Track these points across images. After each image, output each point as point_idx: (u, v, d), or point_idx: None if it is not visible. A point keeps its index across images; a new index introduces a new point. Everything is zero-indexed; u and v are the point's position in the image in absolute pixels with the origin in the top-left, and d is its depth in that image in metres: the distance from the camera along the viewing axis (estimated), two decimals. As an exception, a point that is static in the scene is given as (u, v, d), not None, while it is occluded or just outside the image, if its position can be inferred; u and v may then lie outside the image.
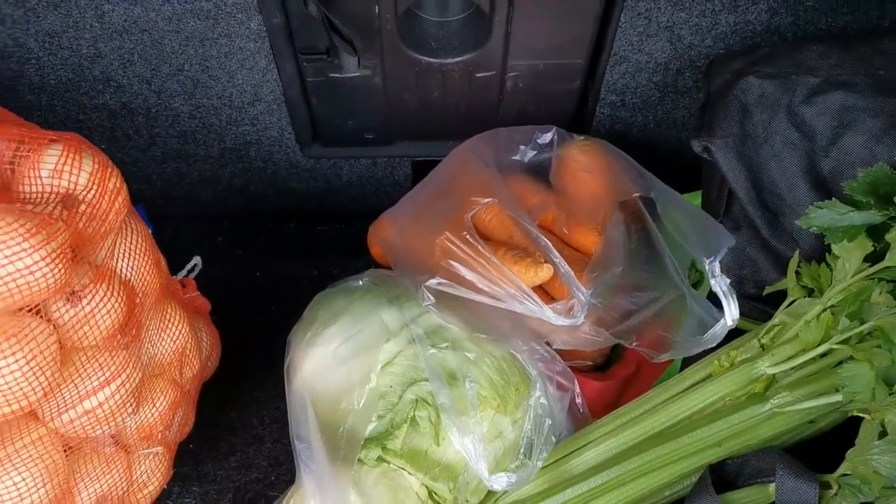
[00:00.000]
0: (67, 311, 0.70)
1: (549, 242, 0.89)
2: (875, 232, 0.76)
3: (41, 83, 1.04)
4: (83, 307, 0.70)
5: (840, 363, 0.76)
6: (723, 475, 0.79)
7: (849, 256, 0.77)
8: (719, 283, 0.83)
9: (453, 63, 1.04)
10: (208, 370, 1.03)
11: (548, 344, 0.92)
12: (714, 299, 0.87)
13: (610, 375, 1.00)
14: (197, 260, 1.14)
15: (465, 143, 1.04)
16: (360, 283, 0.95)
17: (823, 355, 0.77)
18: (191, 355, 0.92)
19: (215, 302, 1.05)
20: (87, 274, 0.72)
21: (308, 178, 1.26)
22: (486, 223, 0.97)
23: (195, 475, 0.97)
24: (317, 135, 1.17)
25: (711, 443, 0.80)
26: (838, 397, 0.75)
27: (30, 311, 0.68)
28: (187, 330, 0.89)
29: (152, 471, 0.88)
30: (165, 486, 0.92)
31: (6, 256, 0.64)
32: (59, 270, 0.66)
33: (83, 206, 0.71)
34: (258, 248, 1.28)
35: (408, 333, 0.87)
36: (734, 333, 0.88)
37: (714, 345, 0.83)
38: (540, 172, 1.04)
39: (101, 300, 0.72)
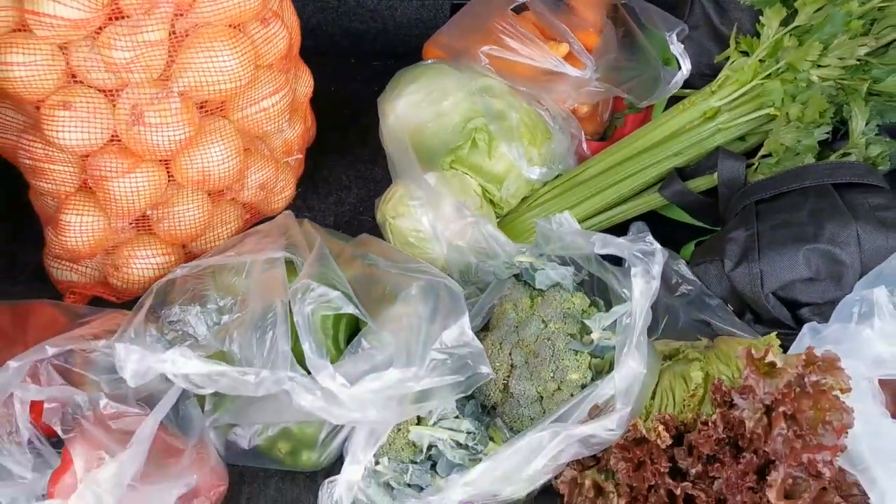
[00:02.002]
0: (260, 29, 1.06)
1: (567, 28, 1.27)
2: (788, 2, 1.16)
3: None
4: (269, 29, 1.07)
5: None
6: (684, 174, 1.18)
7: (770, 22, 1.15)
8: (676, 48, 1.21)
9: None
10: (310, 138, 1.39)
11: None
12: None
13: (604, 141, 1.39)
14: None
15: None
16: (430, 62, 1.32)
17: (753, 88, 1.16)
18: (307, 111, 1.29)
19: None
20: (270, 11, 1.08)
21: (369, 19, 1.61)
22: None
23: (305, 207, 1.34)
24: None
25: (673, 153, 1.19)
26: (762, 112, 1.14)
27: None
28: (313, 84, 1.25)
29: (286, 182, 1.25)
30: (288, 207, 1.29)
31: (232, -17, 0.99)
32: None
33: (265, -33, 1.07)
34: (328, 76, 1.62)
35: (468, 88, 1.24)
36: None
37: (675, 90, 1.22)
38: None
39: (278, 28, 1.08)
